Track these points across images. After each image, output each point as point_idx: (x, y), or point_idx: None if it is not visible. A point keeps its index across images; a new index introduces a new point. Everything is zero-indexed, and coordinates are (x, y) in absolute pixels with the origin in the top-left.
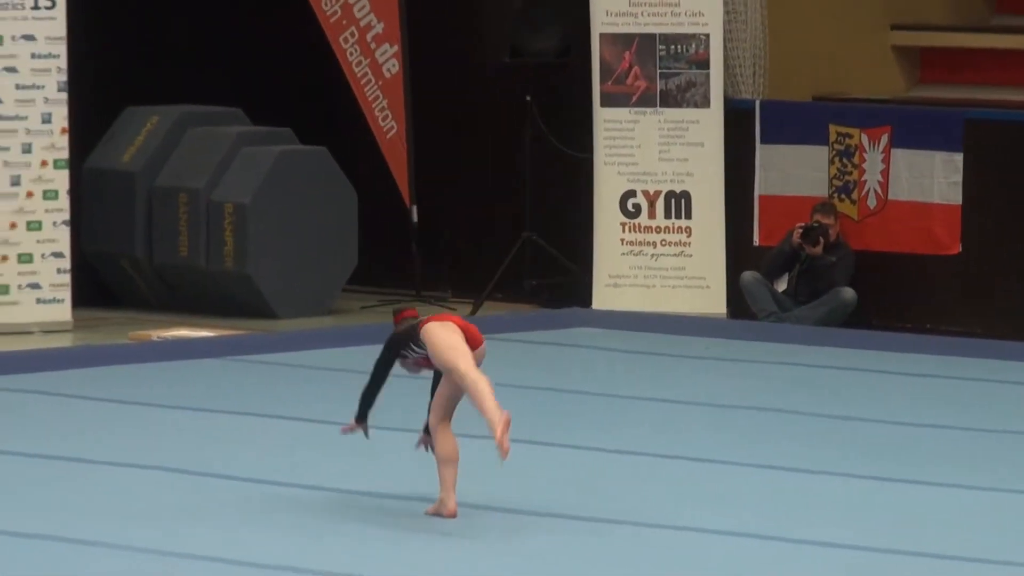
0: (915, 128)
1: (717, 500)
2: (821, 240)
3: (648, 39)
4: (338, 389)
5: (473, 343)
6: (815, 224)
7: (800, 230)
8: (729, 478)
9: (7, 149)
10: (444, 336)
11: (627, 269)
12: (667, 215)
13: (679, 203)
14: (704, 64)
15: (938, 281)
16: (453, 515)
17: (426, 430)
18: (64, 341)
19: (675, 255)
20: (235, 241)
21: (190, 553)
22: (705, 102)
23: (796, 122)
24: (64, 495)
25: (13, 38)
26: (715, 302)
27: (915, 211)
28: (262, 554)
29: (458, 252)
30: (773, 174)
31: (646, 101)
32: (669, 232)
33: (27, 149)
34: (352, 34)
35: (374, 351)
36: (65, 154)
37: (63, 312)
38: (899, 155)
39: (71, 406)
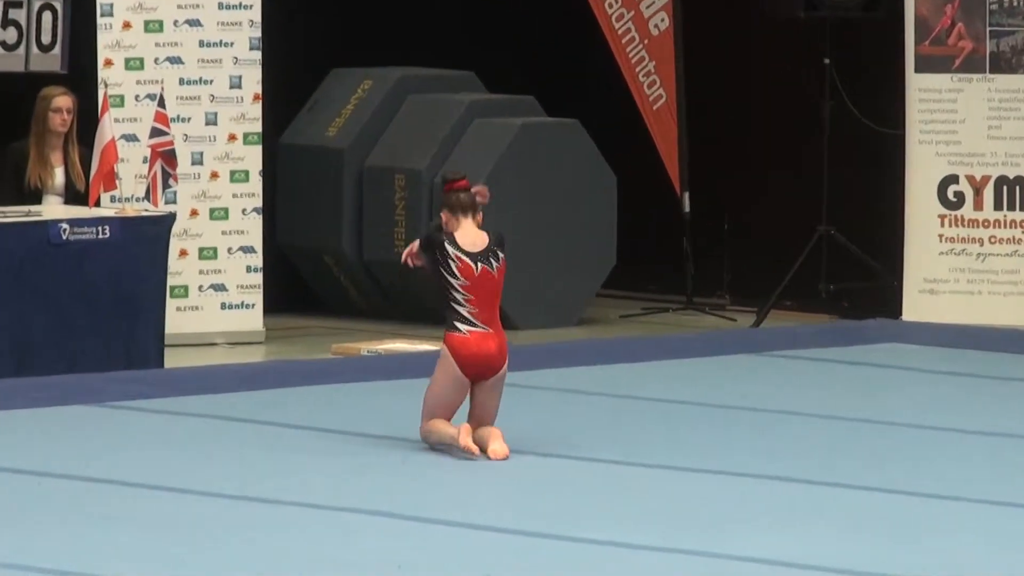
0: None
1: None
2: None
3: None
4: (591, 417)
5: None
6: None
7: None
8: None
9: (187, 120)
10: (439, 380)
11: (946, 272)
12: (997, 206)
13: (1012, 191)
14: None
15: None
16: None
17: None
18: (254, 355)
19: (1007, 255)
20: None
21: None
22: None
23: None
24: (261, 542)
25: None
26: None
27: None
28: None
29: (739, 250)
30: None
31: (972, 66)
32: (999, 227)
33: (212, 120)
34: None
35: (635, 370)
36: (258, 127)
37: (253, 320)
38: None
39: (262, 434)
